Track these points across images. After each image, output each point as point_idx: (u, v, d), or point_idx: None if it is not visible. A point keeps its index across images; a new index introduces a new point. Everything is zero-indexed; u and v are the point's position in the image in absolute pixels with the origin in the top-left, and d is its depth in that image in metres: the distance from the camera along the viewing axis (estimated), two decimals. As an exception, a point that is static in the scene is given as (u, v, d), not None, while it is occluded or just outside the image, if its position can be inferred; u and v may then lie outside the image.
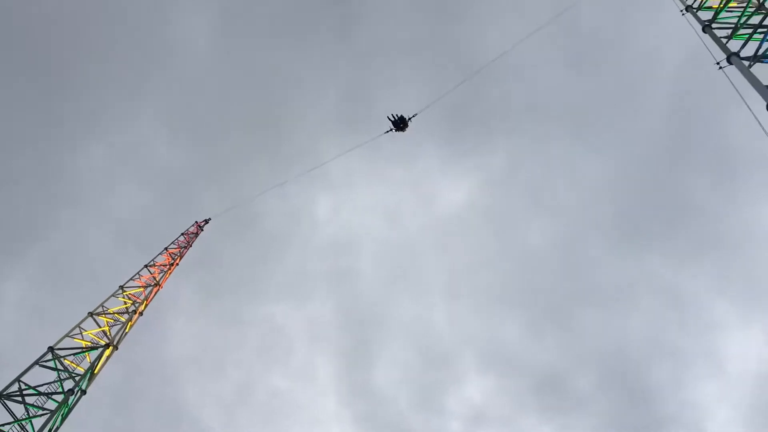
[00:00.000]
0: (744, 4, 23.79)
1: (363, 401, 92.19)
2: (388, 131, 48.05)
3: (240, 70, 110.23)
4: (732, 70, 21.98)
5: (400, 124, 47.32)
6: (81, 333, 30.74)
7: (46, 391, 25.86)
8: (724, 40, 23.32)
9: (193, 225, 50.24)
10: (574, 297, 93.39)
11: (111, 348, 30.57)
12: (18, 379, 25.92)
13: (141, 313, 35.26)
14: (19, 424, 24.11)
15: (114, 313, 33.64)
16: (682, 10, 27.57)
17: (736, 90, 22.10)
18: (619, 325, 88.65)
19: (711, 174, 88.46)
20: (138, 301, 35.85)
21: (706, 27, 24.72)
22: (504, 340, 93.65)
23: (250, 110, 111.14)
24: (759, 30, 21.94)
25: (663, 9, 31.41)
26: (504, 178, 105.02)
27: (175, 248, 45.18)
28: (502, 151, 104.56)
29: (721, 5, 24.59)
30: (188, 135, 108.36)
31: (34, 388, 25.79)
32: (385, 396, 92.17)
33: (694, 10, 26.55)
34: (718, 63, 23.18)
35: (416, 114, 47.71)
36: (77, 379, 27.36)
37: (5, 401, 24.80)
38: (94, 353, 29.70)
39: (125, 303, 35.04)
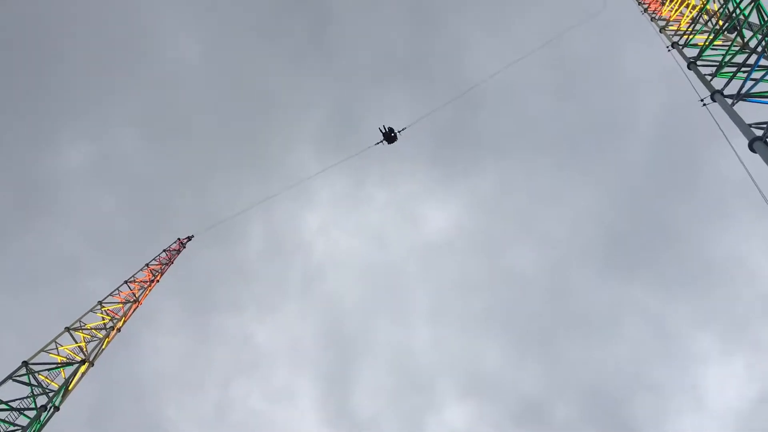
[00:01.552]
0: (728, 43, 24.26)
1: (343, 424, 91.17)
2: (378, 143, 48.71)
3: (223, 82, 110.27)
4: (716, 107, 22.32)
5: (390, 134, 48.06)
6: (57, 348, 30.15)
7: (18, 407, 25.26)
8: (709, 78, 23.72)
9: (175, 242, 49.68)
10: (558, 324, 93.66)
11: (87, 364, 30.01)
12: (-10, 394, 25.28)
13: (119, 330, 34.72)
14: (-12, 440, 23.53)
15: (91, 328, 33.08)
16: (668, 46, 28.06)
17: (719, 127, 22.42)
18: (602, 355, 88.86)
19: (696, 206, 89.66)
20: (117, 317, 35.31)
21: (692, 64, 25.17)
22: (486, 366, 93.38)
23: (233, 123, 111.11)
24: (743, 69, 22.37)
25: (651, 44, 31.97)
26: (491, 203, 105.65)
27: (156, 265, 44.63)
28: (490, 176, 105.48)
29: (707, 43, 25.09)
30: (167, 144, 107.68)
31: (6, 403, 25.16)
32: (365, 419, 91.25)
33: (680, 47, 27.07)
34: (702, 100, 23.53)
35: (405, 128, 48.59)
36: (51, 395, 26.78)
37: (-25, 416, 24.18)
38: (70, 369, 29.15)
39: (103, 319, 34.51)
